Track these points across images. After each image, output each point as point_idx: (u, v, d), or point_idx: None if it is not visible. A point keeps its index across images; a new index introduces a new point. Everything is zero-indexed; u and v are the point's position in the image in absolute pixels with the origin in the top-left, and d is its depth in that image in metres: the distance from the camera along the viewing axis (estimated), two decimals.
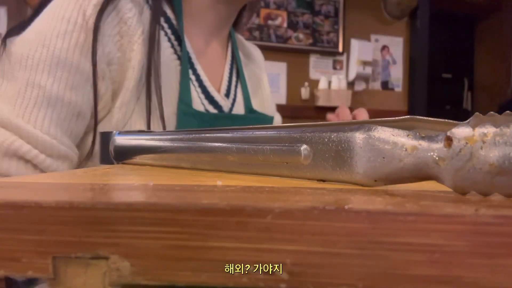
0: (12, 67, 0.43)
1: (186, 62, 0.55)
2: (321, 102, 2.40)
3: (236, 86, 0.65)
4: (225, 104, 0.60)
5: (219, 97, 0.60)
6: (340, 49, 2.49)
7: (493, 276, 0.11)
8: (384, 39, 2.62)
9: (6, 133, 0.40)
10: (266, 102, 0.72)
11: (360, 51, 2.50)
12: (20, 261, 0.13)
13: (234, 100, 0.63)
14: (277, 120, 0.77)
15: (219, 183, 0.18)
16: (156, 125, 0.51)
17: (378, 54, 2.60)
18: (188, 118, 0.53)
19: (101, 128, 0.48)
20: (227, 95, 0.62)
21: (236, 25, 0.70)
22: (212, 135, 0.25)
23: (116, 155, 0.31)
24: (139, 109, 0.49)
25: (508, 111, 0.14)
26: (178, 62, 0.55)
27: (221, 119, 0.58)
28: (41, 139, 0.41)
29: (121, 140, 0.31)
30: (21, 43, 0.44)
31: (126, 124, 0.48)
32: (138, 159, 0.30)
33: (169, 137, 0.27)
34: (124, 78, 0.48)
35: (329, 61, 2.51)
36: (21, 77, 0.42)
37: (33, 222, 0.13)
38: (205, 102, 0.58)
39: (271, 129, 0.22)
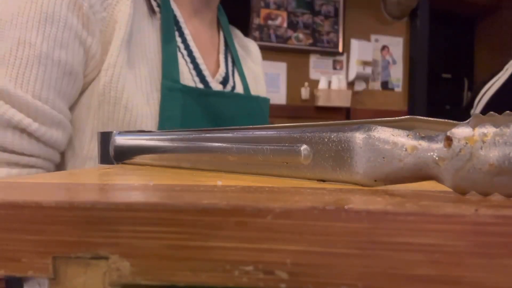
0: (2, 26, 0.42)
1: (171, 24, 0.53)
2: (321, 102, 2.40)
3: (233, 75, 0.63)
4: (215, 85, 0.58)
5: (213, 83, 0.58)
6: (340, 49, 2.50)
7: (493, 276, 0.11)
8: (384, 39, 2.62)
9: None
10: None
11: (360, 51, 2.50)
12: (20, 261, 0.13)
13: (233, 88, 0.61)
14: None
15: (219, 183, 0.18)
16: (150, 98, 0.49)
17: (378, 54, 2.61)
18: (174, 94, 0.51)
19: (89, 93, 0.47)
20: (223, 82, 0.60)
21: (238, 25, 0.70)
22: (212, 135, 0.25)
23: (116, 155, 0.31)
24: (129, 77, 0.48)
25: (508, 111, 0.14)
26: (158, 22, 0.53)
27: (212, 96, 0.55)
28: (33, 105, 0.41)
29: (121, 140, 0.31)
30: (9, 1, 0.43)
31: (116, 89, 0.47)
32: (138, 159, 0.30)
33: (169, 137, 0.27)
34: (111, 39, 0.47)
35: (329, 61, 2.51)
36: (12, 36, 0.41)
37: (33, 222, 0.13)
38: (196, 79, 0.55)
39: (271, 129, 0.22)
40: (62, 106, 0.44)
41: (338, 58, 2.52)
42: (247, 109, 0.60)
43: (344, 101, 2.43)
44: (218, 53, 0.63)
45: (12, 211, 0.13)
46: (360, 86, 2.56)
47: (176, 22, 0.55)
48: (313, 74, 2.47)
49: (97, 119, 0.47)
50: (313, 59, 2.48)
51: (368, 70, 2.52)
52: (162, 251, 0.12)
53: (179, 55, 0.54)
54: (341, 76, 2.47)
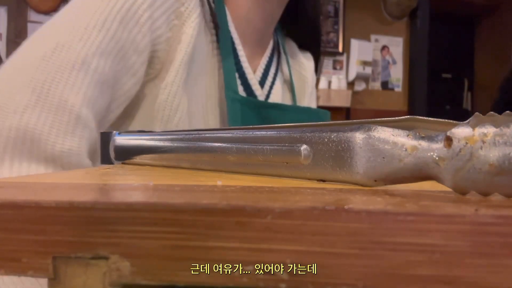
0: (46, 27, 0.42)
1: (229, 54, 0.54)
2: (321, 102, 2.40)
3: (274, 78, 0.63)
4: (260, 93, 0.59)
5: (255, 85, 0.58)
6: (340, 49, 2.50)
7: (493, 276, 0.11)
8: (384, 39, 2.62)
9: None
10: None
11: (360, 51, 2.50)
12: (20, 261, 0.13)
13: (271, 87, 0.61)
14: None
15: (219, 183, 0.18)
16: (210, 112, 0.50)
17: (378, 54, 2.61)
18: (235, 105, 0.51)
19: (145, 108, 0.48)
20: (261, 83, 0.60)
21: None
22: (212, 135, 0.25)
23: (116, 155, 0.31)
24: (184, 98, 0.49)
25: (508, 111, 0.14)
26: (215, 46, 0.54)
27: (267, 108, 0.56)
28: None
29: (121, 140, 0.31)
30: (70, 8, 0.44)
31: (170, 108, 0.48)
32: (138, 159, 0.30)
33: (169, 137, 0.27)
34: (173, 58, 0.48)
35: (329, 61, 2.51)
36: (51, 40, 0.41)
37: (33, 222, 0.13)
38: (241, 88, 0.56)
39: (271, 129, 0.22)
40: (87, 113, 0.42)
41: (338, 58, 2.52)
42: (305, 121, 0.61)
43: (344, 101, 2.43)
44: (263, 53, 0.63)
45: (12, 211, 0.13)
46: (360, 86, 2.56)
47: (232, 44, 0.56)
48: None
49: None
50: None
51: (368, 70, 2.52)
52: (162, 251, 0.12)
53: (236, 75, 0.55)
54: (341, 76, 2.47)
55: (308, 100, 0.70)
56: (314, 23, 0.68)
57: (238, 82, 0.56)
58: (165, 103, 0.48)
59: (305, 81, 0.70)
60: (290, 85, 0.65)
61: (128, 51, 0.45)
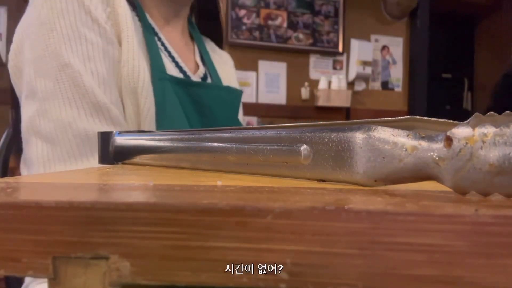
0: (39, 63, 0.46)
1: (150, 30, 0.56)
2: (321, 102, 2.40)
3: (211, 75, 0.68)
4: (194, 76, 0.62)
5: (194, 77, 0.62)
6: (340, 49, 2.49)
7: (493, 276, 0.11)
8: (384, 39, 2.62)
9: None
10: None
11: (360, 51, 2.50)
12: (20, 261, 0.13)
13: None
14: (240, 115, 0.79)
15: (219, 183, 0.18)
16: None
17: (378, 54, 2.60)
18: (164, 83, 0.54)
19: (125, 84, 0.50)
20: (204, 79, 0.64)
21: (213, 39, 0.75)
22: (212, 135, 0.25)
23: (116, 155, 0.31)
24: (142, 57, 0.52)
25: (508, 111, 0.14)
26: (141, 30, 0.56)
27: (194, 86, 0.60)
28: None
29: (121, 140, 0.31)
30: (36, 38, 0.46)
31: (134, 66, 0.50)
32: (138, 159, 0.30)
33: (169, 137, 0.27)
34: (121, 38, 0.50)
35: (329, 61, 2.51)
36: (51, 67, 0.45)
37: (33, 222, 0.13)
38: (176, 70, 0.59)
39: (271, 129, 0.22)
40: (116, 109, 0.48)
41: (338, 58, 2.52)
42: (223, 98, 0.65)
43: (344, 101, 2.43)
44: (194, 56, 0.67)
45: (12, 211, 0.13)
46: (360, 86, 2.55)
47: (152, 29, 0.59)
48: (313, 74, 2.47)
49: (131, 112, 0.51)
50: (313, 59, 2.48)
51: (368, 70, 2.52)
52: (162, 251, 0.12)
53: (162, 55, 0.58)
54: (341, 76, 2.46)
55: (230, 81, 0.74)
56: (216, 17, 0.74)
57: (170, 63, 0.58)
58: (127, 78, 0.50)
59: (231, 77, 0.75)
60: (210, 66, 0.69)
61: (103, 46, 0.48)
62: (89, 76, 0.46)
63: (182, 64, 0.61)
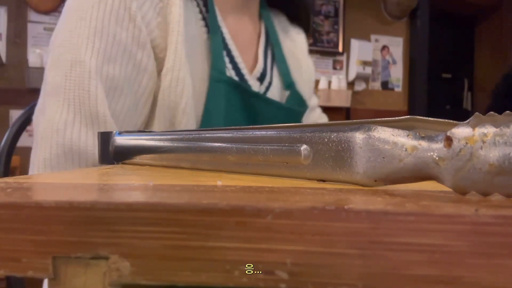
0: (57, 53, 0.43)
1: (216, 31, 0.53)
2: (321, 102, 2.39)
3: (272, 69, 0.62)
4: (258, 89, 0.58)
5: (251, 81, 0.57)
6: (340, 49, 2.49)
7: (493, 276, 0.11)
8: (384, 39, 2.62)
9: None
10: (302, 85, 0.68)
11: (360, 51, 2.50)
12: (20, 261, 0.13)
13: (270, 84, 0.60)
14: (314, 103, 0.74)
15: (219, 183, 0.18)
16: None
17: (378, 54, 2.60)
18: (219, 85, 0.51)
19: (152, 102, 0.48)
20: (261, 78, 0.59)
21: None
22: (212, 135, 0.25)
23: (116, 155, 0.31)
24: (187, 76, 0.48)
25: (508, 111, 0.14)
26: (205, 30, 0.53)
27: (252, 97, 0.55)
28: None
29: (121, 140, 0.31)
30: (62, 24, 0.44)
31: (175, 94, 0.47)
32: (138, 159, 0.30)
33: (169, 137, 0.27)
34: (169, 43, 0.47)
35: (329, 61, 2.51)
36: (65, 59, 0.43)
37: (33, 222, 0.13)
38: (232, 72, 0.55)
39: (271, 129, 0.22)
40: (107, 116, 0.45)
41: (338, 58, 2.52)
42: (281, 120, 0.60)
43: (344, 101, 2.43)
44: (258, 47, 0.62)
45: (12, 211, 0.13)
46: (360, 86, 2.55)
47: (221, 33, 0.55)
48: None
49: (162, 126, 0.48)
50: (313, 59, 2.47)
51: (368, 70, 2.52)
52: (162, 251, 0.12)
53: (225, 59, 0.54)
54: (341, 76, 2.46)
55: (303, 86, 0.68)
56: None
57: (230, 70, 0.55)
58: (169, 90, 0.47)
59: (299, 61, 0.69)
60: (282, 65, 0.64)
61: (132, 49, 0.45)
62: (98, 80, 0.43)
63: (240, 64, 0.56)
